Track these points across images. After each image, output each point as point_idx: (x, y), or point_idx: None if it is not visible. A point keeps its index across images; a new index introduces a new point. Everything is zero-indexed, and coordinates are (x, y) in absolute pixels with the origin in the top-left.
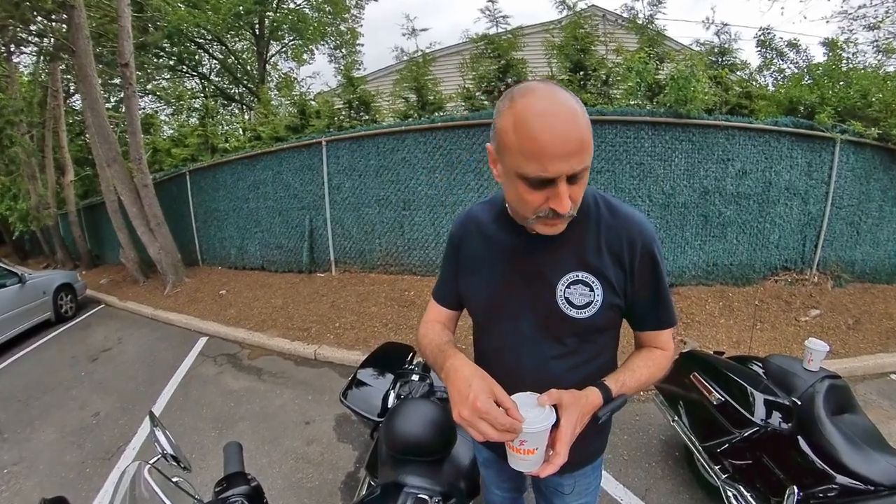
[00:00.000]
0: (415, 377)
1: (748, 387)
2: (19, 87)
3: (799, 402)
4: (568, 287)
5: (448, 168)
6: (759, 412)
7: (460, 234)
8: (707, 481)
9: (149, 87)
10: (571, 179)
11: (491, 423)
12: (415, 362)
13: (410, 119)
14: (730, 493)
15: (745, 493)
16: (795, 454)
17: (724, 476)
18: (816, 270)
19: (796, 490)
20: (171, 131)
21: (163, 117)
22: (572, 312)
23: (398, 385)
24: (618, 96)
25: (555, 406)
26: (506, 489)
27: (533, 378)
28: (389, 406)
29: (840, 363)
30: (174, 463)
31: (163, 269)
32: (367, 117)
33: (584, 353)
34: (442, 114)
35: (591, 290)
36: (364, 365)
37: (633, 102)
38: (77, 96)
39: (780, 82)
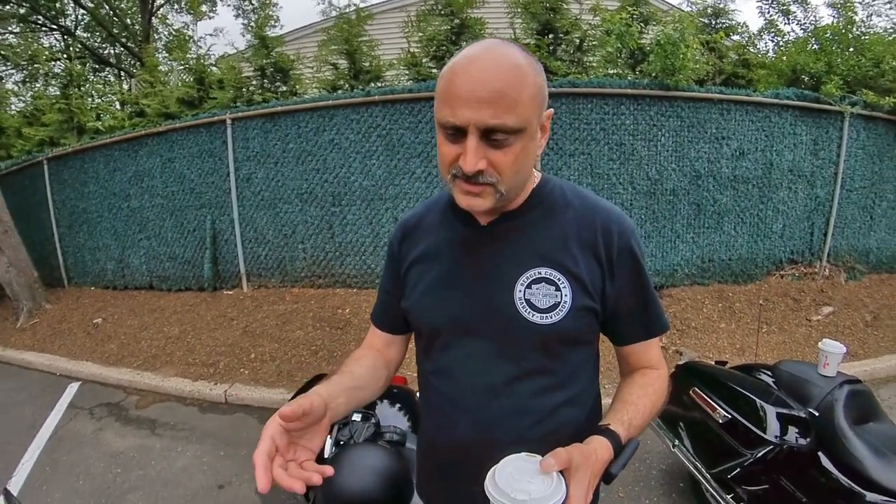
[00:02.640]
0: (356, 417)
1: (758, 400)
2: None
3: (816, 414)
4: (528, 287)
5: (388, 152)
6: (773, 428)
7: (400, 238)
8: None
9: None
10: (491, 141)
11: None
12: None
13: (340, 91)
14: None
15: None
16: (818, 473)
17: None
18: (827, 262)
19: None
20: (23, 104)
21: (11, 85)
22: (535, 318)
23: (336, 428)
24: (594, 64)
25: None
26: None
27: (494, 410)
28: (326, 456)
29: (860, 365)
30: None
31: (14, 293)
32: (284, 88)
33: (556, 374)
34: (380, 85)
35: (557, 288)
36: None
37: (611, 72)
38: None
39: (782, 48)
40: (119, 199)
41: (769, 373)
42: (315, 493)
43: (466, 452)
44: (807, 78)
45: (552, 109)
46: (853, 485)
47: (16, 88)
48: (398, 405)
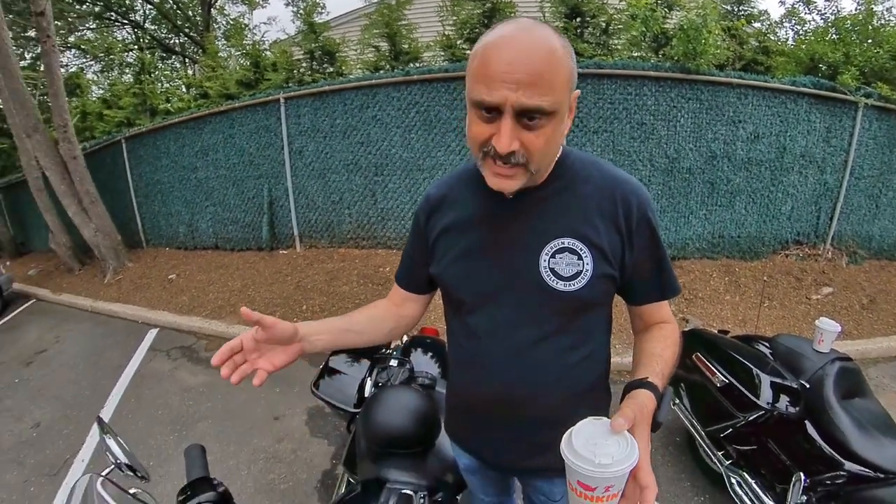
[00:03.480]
0: (393, 362)
1: (754, 368)
2: None
3: (807, 386)
4: (552, 256)
5: (426, 127)
6: (766, 395)
7: (427, 211)
8: (710, 468)
9: (71, 39)
10: (525, 123)
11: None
12: (393, 346)
13: (382, 71)
14: (733, 480)
15: (750, 479)
16: (803, 440)
17: (727, 462)
18: (830, 245)
19: (803, 477)
20: (102, 91)
21: (90, 75)
22: (559, 285)
23: (375, 372)
24: (619, 47)
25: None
26: (492, 493)
27: (515, 368)
28: (366, 395)
29: (852, 345)
30: (130, 473)
31: (101, 254)
32: (331, 69)
33: (573, 335)
34: (418, 65)
35: (580, 258)
36: (336, 351)
37: (636, 55)
38: None
39: (802, 37)
40: (188, 172)
41: (767, 344)
42: (356, 426)
43: (491, 405)
44: (824, 67)
45: (579, 90)
46: (834, 453)
47: (95, 78)
48: (430, 353)
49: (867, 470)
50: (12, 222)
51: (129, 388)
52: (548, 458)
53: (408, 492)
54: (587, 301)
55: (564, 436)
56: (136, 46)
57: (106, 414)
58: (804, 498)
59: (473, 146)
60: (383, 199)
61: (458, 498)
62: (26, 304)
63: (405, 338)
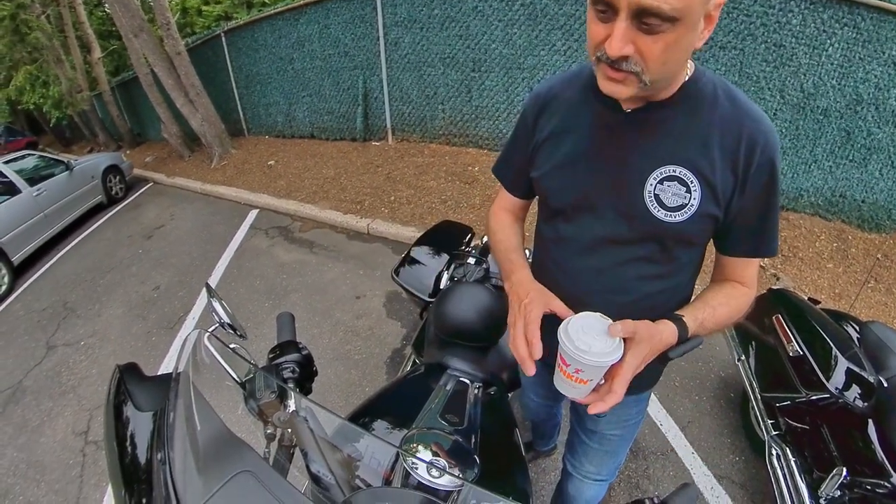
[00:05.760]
0: (471, 260)
1: (834, 349)
2: None
3: (885, 384)
4: (660, 183)
5: (530, 22)
6: (837, 380)
7: (537, 110)
8: (754, 432)
9: None
10: (643, 25)
11: (520, 337)
12: (472, 244)
13: None
14: (774, 452)
15: (790, 456)
16: (859, 437)
17: (773, 432)
18: None
19: (844, 472)
20: None
21: None
22: (660, 214)
23: (453, 266)
24: None
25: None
26: (542, 396)
27: (595, 282)
28: (442, 287)
29: None
30: (231, 331)
31: (207, 142)
32: None
33: (660, 266)
34: None
35: (688, 190)
36: (419, 242)
37: None
38: None
39: None
40: (285, 63)
41: (857, 328)
42: (428, 314)
43: None
44: None
45: None
46: (886, 462)
47: None
48: None
49: None
50: (129, 115)
51: (232, 261)
52: None
53: (465, 380)
54: (684, 236)
55: (569, 317)
56: None
57: (212, 281)
58: (838, 493)
59: (589, 47)
60: (479, 96)
61: (510, 395)
62: (145, 187)
63: (485, 238)
